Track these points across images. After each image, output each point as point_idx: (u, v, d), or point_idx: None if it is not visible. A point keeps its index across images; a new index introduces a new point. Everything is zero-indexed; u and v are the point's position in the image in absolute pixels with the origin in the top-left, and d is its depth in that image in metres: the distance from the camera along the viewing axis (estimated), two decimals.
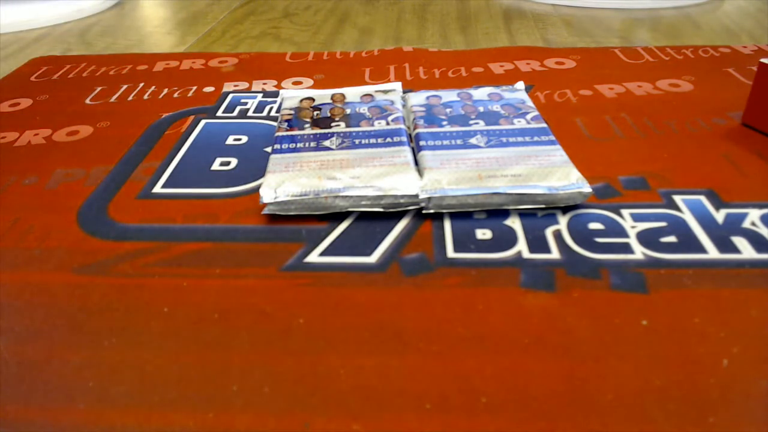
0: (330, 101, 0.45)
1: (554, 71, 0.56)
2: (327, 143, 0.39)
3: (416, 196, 0.34)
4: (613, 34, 0.69)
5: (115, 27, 0.78)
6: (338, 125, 0.41)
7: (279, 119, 0.43)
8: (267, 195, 0.35)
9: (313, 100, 0.45)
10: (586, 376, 0.25)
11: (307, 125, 0.41)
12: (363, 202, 0.35)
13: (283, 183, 0.35)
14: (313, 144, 0.39)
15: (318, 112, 0.43)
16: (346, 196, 0.34)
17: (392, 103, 0.44)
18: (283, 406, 0.24)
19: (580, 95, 0.50)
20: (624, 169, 0.39)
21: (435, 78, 0.55)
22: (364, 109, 0.43)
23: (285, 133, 0.41)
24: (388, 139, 0.39)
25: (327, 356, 0.26)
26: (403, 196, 0.34)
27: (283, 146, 0.39)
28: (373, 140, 0.39)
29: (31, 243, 0.34)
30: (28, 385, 0.25)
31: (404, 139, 0.39)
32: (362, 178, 0.35)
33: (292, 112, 0.43)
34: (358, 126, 0.41)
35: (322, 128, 0.41)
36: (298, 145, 0.39)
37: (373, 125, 0.41)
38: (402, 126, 0.41)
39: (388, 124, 0.41)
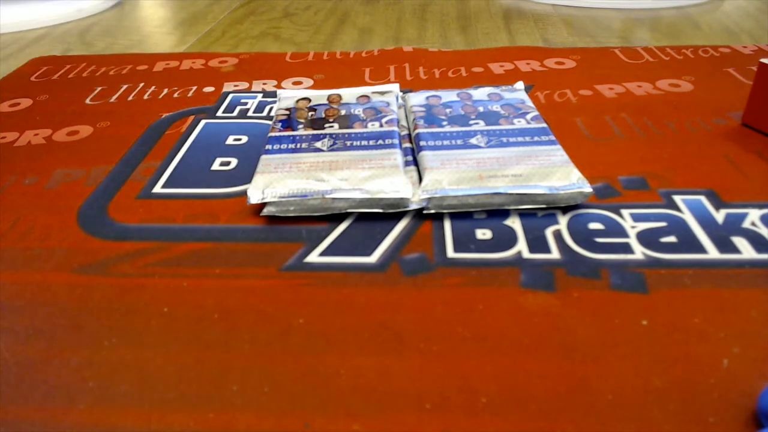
0: (326, 102, 0.44)
1: (554, 71, 0.56)
2: (318, 144, 0.38)
3: (404, 199, 0.34)
4: (613, 34, 0.69)
5: (115, 27, 0.78)
6: (332, 126, 0.41)
7: (273, 120, 0.43)
8: (254, 196, 0.35)
9: (310, 100, 0.45)
10: (586, 376, 0.25)
11: (301, 126, 0.41)
12: (360, 203, 0.35)
13: (271, 184, 0.35)
14: (305, 145, 0.39)
15: (313, 113, 0.43)
16: (347, 198, 0.34)
17: (388, 104, 0.43)
18: (283, 406, 0.24)
19: (580, 95, 0.50)
20: (624, 169, 0.39)
21: (435, 78, 0.55)
22: (359, 111, 0.43)
23: (278, 134, 0.40)
24: (380, 141, 0.39)
25: (327, 356, 0.26)
26: (390, 199, 0.34)
27: (274, 147, 0.39)
28: (364, 142, 0.39)
29: (31, 243, 0.34)
30: (28, 385, 0.25)
31: (396, 141, 0.39)
32: (350, 180, 0.35)
33: (287, 112, 0.43)
34: (352, 128, 0.41)
35: (315, 129, 0.41)
36: (290, 146, 0.39)
37: (366, 127, 0.41)
38: (395, 128, 0.40)
39: (381, 126, 0.41)
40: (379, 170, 0.36)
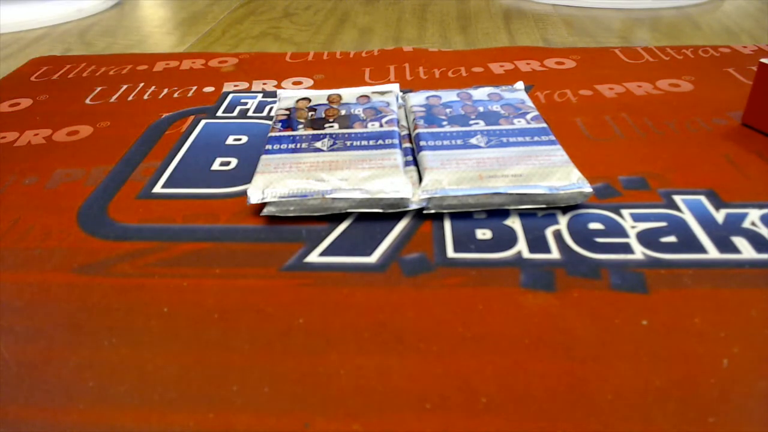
0: (326, 102, 0.44)
1: (554, 71, 0.56)
2: (318, 144, 0.38)
3: (404, 199, 0.34)
4: (613, 34, 0.69)
5: (115, 27, 0.78)
6: (332, 126, 0.41)
7: (273, 120, 0.43)
8: (254, 196, 0.35)
9: (310, 100, 0.45)
10: (586, 376, 0.25)
11: (301, 126, 0.41)
12: (360, 203, 0.35)
13: (271, 184, 0.35)
14: (305, 145, 0.39)
15: (313, 113, 0.43)
16: (347, 198, 0.34)
17: (388, 104, 0.43)
18: (283, 406, 0.24)
19: (580, 95, 0.50)
20: (624, 169, 0.39)
21: (435, 78, 0.55)
22: (359, 111, 0.43)
23: (278, 134, 0.40)
24: (380, 141, 0.39)
25: (327, 356, 0.26)
26: (390, 199, 0.34)
27: (274, 147, 0.39)
28: (364, 142, 0.39)
29: (31, 243, 0.34)
30: (28, 385, 0.25)
31: (396, 141, 0.39)
32: (350, 180, 0.35)
33: (287, 112, 0.43)
34: (352, 128, 0.41)
35: (315, 129, 0.41)
36: (290, 146, 0.39)
37: (366, 127, 0.41)
38: (395, 128, 0.40)
39: (381, 126, 0.41)
40: (379, 170, 0.36)
